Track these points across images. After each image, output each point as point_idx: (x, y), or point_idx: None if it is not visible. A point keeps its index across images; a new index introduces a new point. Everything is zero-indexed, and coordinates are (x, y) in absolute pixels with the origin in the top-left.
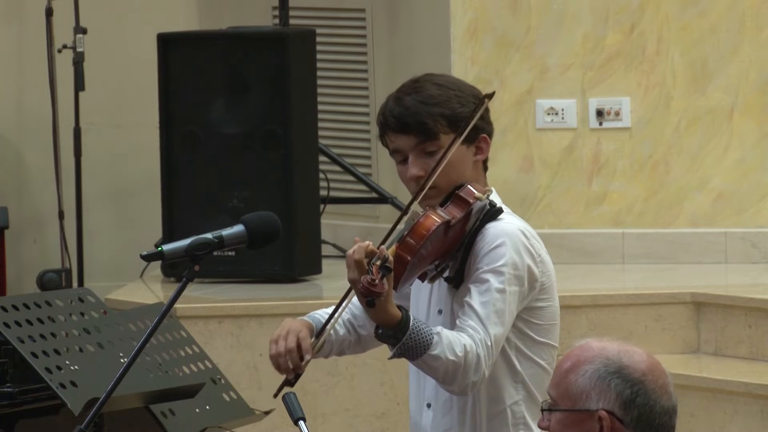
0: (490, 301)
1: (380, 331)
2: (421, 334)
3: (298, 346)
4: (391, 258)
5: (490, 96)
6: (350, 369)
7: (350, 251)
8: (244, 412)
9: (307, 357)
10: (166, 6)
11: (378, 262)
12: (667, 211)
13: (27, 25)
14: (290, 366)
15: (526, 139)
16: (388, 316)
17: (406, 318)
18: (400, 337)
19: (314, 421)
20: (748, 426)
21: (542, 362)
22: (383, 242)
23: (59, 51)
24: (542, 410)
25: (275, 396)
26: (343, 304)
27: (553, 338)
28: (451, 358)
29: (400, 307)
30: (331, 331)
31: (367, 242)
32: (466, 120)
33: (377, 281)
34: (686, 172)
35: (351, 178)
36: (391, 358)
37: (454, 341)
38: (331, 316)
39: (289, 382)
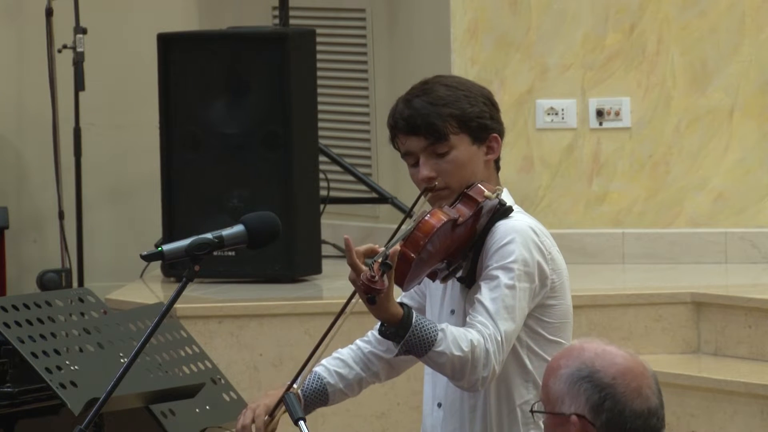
0: (499, 297)
1: (383, 329)
2: (425, 330)
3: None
4: (393, 255)
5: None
6: None
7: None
8: None
9: None
10: (165, 6)
11: (379, 259)
12: (667, 211)
13: (27, 25)
14: None
15: (526, 139)
16: (390, 313)
17: (408, 315)
18: (403, 334)
19: (314, 421)
20: (748, 426)
21: None
22: (390, 240)
23: (59, 51)
24: (530, 411)
25: None
26: (306, 368)
27: (565, 337)
28: (457, 353)
29: (402, 305)
30: (334, 382)
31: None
32: (476, 119)
33: (377, 278)
34: (686, 172)
35: (351, 178)
36: (397, 355)
37: (459, 337)
38: (285, 390)
39: None
